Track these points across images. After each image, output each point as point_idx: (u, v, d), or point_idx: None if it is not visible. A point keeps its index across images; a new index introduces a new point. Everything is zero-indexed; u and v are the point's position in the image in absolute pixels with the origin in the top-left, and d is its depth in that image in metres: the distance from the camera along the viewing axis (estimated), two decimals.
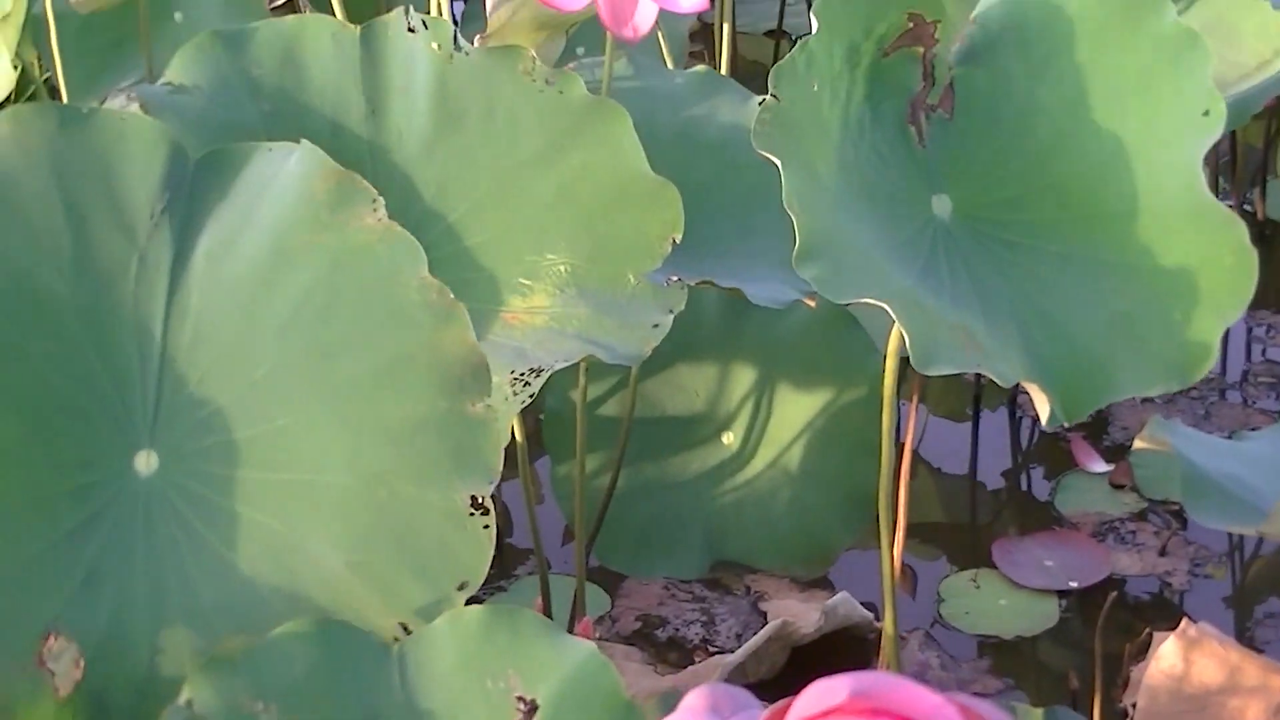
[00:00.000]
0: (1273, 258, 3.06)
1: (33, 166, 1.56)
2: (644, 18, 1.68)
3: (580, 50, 2.64)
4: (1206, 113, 1.70)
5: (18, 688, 1.46)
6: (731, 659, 2.01)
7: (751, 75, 2.22)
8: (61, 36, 2.26)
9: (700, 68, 2.23)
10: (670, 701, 1.24)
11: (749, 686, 1.63)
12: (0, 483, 1.50)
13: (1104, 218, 1.72)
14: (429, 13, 1.92)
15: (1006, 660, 2.15)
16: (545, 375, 1.70)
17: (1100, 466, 2.47)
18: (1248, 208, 3.19)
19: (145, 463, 1.52)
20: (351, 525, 1.49)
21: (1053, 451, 2.54)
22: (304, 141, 1.59)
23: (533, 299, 1.79)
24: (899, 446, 2.02)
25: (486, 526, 1.48)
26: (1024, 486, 2.53)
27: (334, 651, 1.40)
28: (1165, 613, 2.21)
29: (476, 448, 1.49)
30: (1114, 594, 1.97)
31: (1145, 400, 2.58)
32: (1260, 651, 1.99)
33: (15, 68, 2.35)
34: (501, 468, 1.50)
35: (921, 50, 1.75)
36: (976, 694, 2.09)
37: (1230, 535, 2.33)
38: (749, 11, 3.99)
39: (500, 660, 1.38)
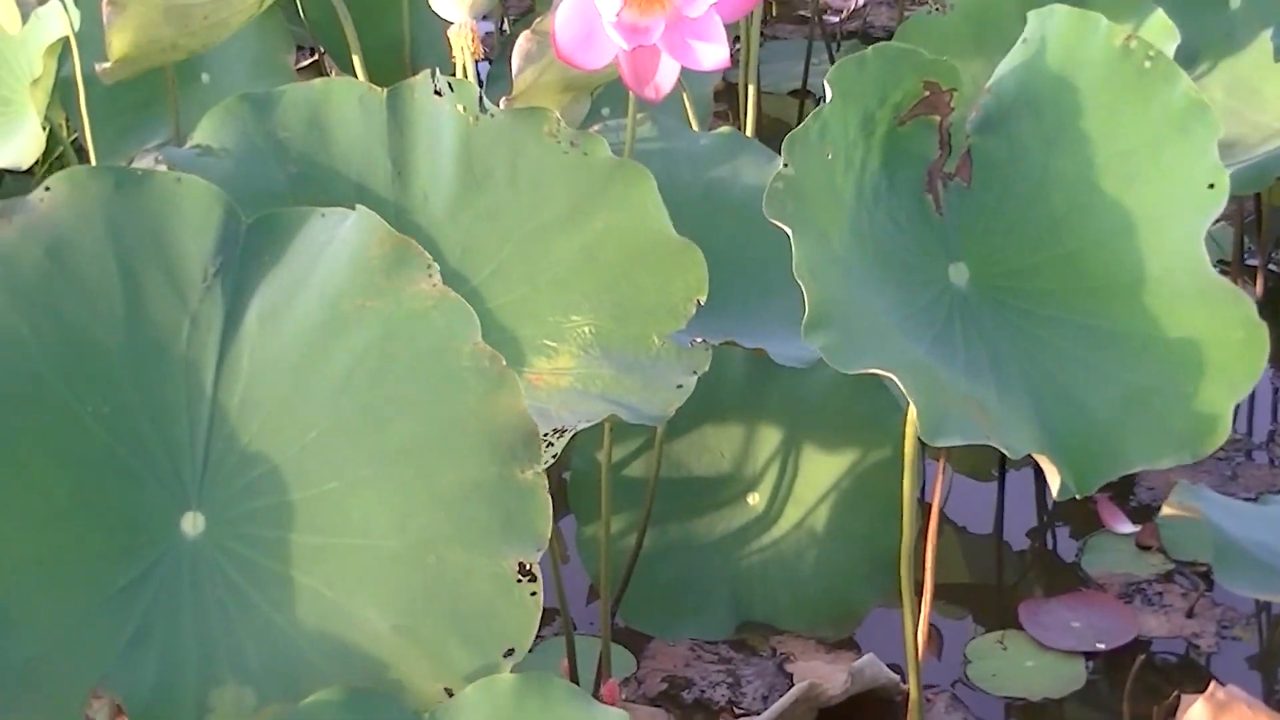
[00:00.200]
0: None
1: (88, 227, 1.58)
2: (665, 78, 1.68)
3: (605, 111, 2.65)
4: (1211, 186, 1.70)
5: None
6: None
7: (776, 135, 2.22)
8: (90, 98, 2.27)
9: (724, 129, 2.24)
10: None
11: None
12: (50, 541, 1.51)
13: (1116, 289, 1.72)
14: (455, 75, 1.93)
15: None
16: (568, 436, 1.70)
17: (1127, 528, 2.47)
18: (1273, 267, 3.18)
19: (192, 524, 1.53)
20: (399, 590, 1.49)
21: (1079, 512, 2.53)
22: (359, 207, 1.60)
23: (557, 360, 1.79)
24: (925, 507, 2.01)
25: (534, 594, 1.48)
26: (1050, 547, 2.52)
27: (366, 719, 1.41)
28: (1193, 675, 2.19)
29: (526, 514, 1.50)
30: (1141, 656, 1.96)
31: None
32: None
33: (44, 129, 2.37)
34: (549, 535, 1.50)
35: (938, 119, 1.76)
36: None
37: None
38: (773, 71, 4.00)
39: None
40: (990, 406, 1.62)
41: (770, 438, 2.30)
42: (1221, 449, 2.59)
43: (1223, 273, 2.89)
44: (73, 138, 2.84)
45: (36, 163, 2.74)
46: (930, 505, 2.04)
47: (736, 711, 2.15)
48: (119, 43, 1.97)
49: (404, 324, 1.54)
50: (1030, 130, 1.77)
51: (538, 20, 1.96)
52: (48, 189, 1.58)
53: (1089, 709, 2.16)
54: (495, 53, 3.12)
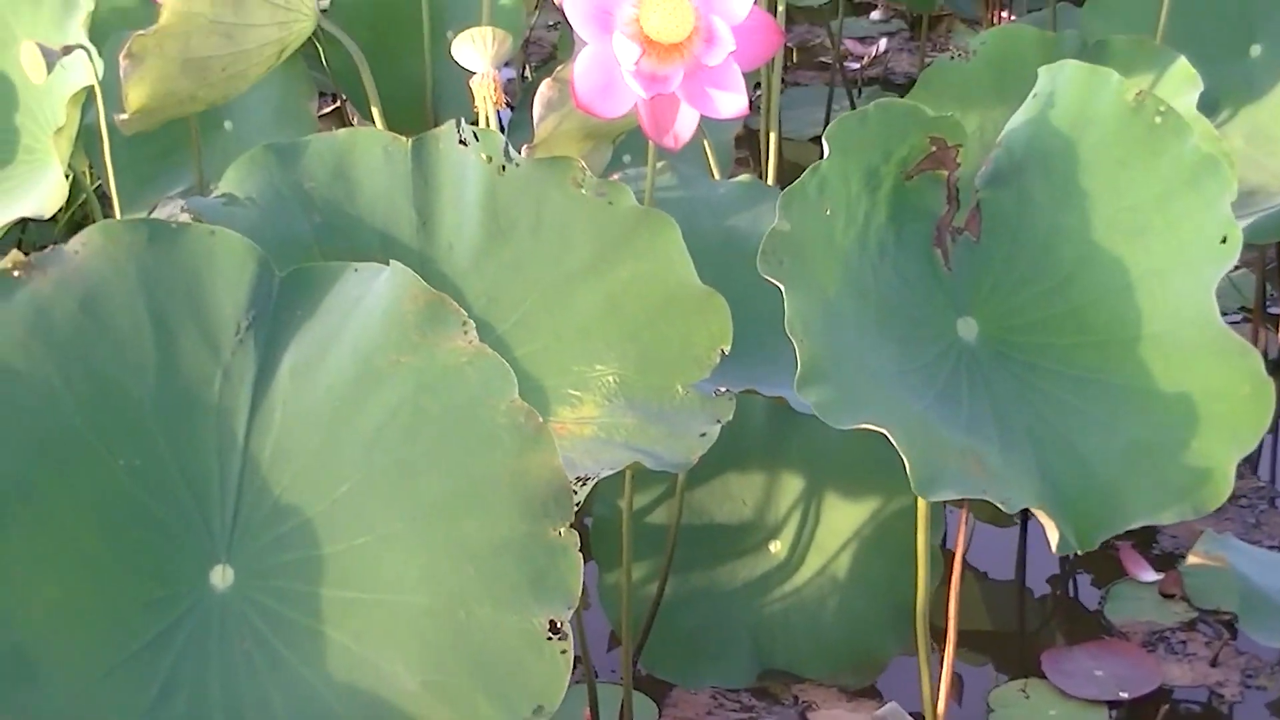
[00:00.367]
0: None
1: (121, 280, 1.58)
2: (685, 126, 1.68)
3: (626, 159, 2.65)
4: (1224, 239, 1.70)
5: None
6: None
7: None
8: (113, 145, 2.28)
9: (744, 177, 2.24)
10: None
11: None
12: (79, 593, 1.51)
13: (1123, 342, 1.73)
14: (477, 123, 1.94)
15: None
16: (591, 484, 1.70)
17: (1150, 575, 2.46)
18: None
19: (221, 577, 1.53)
20: (428, 646, 1.49)
21: (1101, 560, 2.52)
22: (394, 263, 1.60)
23: (581, 409, 1.79)
24: (948, 555, 2.01)
25: (564, 651, 1.47)
26: (1072, 594, 2.52)
27: None
28: None
29: (557, 572, 1.49)
30: (1165, 705, 1.95)
31: None
32: None
33: (67, 178, 2.37)
34: (580, 593, 1.50)
35: (945, 173, 1.77)
36: None
37: None
38: (795, 118, 4.01)
39: None
40: (990, 461, 1.62)
41: (792, 485, 2.29)
42: (1245, 497, 2.60)
43: (1245, 320, 2.91)
44: (96, 185, 2.85)
45: (60, 209, 2.74)
46: (953, 553, 2.04)
47: None
48: (136, 95, 1.98)
49: (438, 380, 1.54)
50: (1040, 185, 1.78)
51: (559, 68, 1.96)
52: (83, 242, 1.58)
53: None
54: (517, 99, 3.12)
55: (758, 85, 2.75)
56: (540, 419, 1.51)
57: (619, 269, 1.85)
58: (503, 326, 1.84)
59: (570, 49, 2.23)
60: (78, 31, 2.43)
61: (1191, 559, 1.85)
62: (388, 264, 1.60)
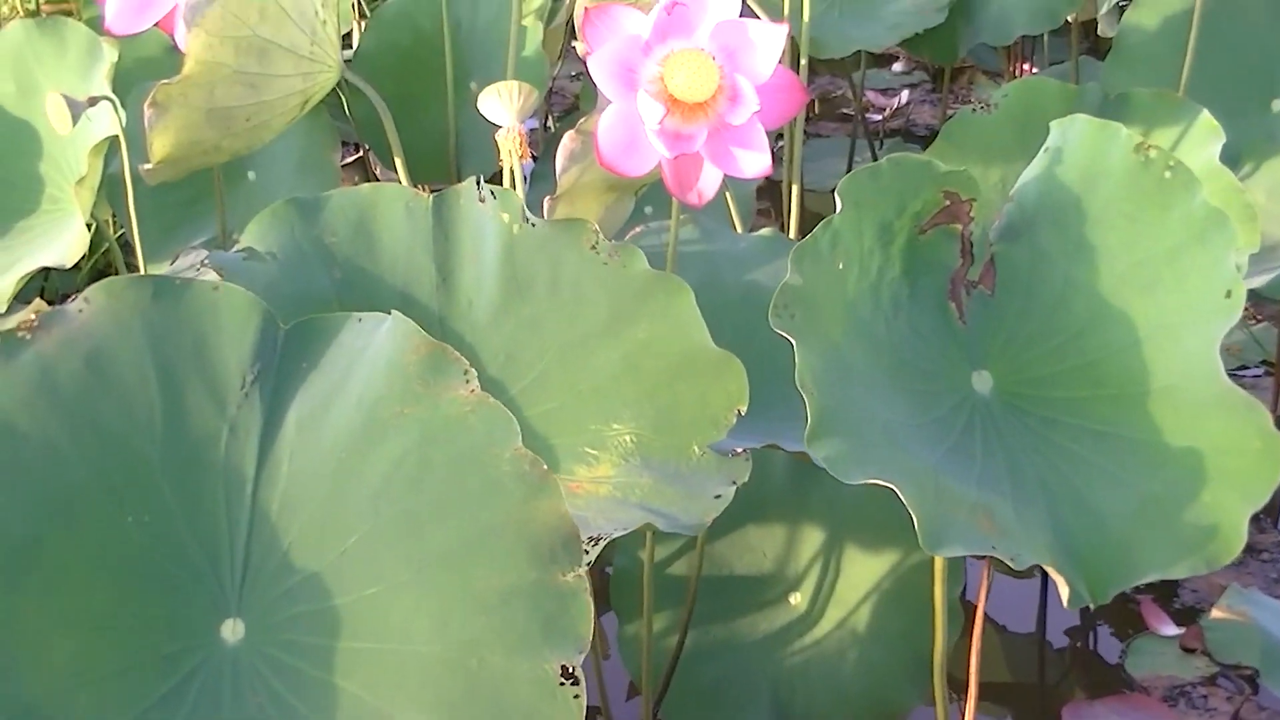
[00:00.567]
0: None
1: (126, 337, 1.59)
2: (708, 184, 1.68)
3: (648, 210, 2.66)
4: (1229, 294, 1.70)
5: None
6: None
7: None
8: (136, 194, 2.29)
9: (766, 230, 2.24)
10: None
11: None
12: (92, 650, 1.51)
13: (1135, 397, 1.73)
14: (502, 176, 1.94)
15: None
16: (604, 543, 1.70)
17: (1171, 629, 2.45)
18: None
19: (231, 631, 1.53)
20: (441, 695, 1.48)
21: (1122, 613, 2.52)
22: (395, 313, 1.61)
23: (598, 469, 1.79)
24: (970, 607, 2.00)
25: (577, 696, 1.47)
26: (1092, 647, 2.51)
27: None
28: None
29: (567, 617, 1.49)
30: None
31: None
32: None
33: (89, 228, 2.39)
34: (591, 637, 1.50)
35: (959, 227, 1.77)
36: None
37: None
38: (816, 169, 4.02)
39: None
40: (1002, 515, 1.62)
41: (812, 538, 2.29)
42: (1267, 551, 2.59)
43: (1267, 374, 2.91)
44: (119, 234, 2.86)
45: (82, 258, 2.75)
46: (975, 605, 2.04)
47: None
48: (161, 144, 1.99)
49: (442, 429, 1.55)
50: (1052, 239, 1.78)
51: (582, 119, 1.97)
52: (87, 300, 1.59)
53: None
54: (540, 150, 3.13)
55: (780, 136, 2.75)
56: (545, 466, 1.51)
57: (635, 330, 1.85)
58: (520, 384, 1.85)
59: (593, 100, 2.24)
60: (102, 82, 2.45)
61: (1215, 613, 1.84)
62: (389, 313, 1.61)
